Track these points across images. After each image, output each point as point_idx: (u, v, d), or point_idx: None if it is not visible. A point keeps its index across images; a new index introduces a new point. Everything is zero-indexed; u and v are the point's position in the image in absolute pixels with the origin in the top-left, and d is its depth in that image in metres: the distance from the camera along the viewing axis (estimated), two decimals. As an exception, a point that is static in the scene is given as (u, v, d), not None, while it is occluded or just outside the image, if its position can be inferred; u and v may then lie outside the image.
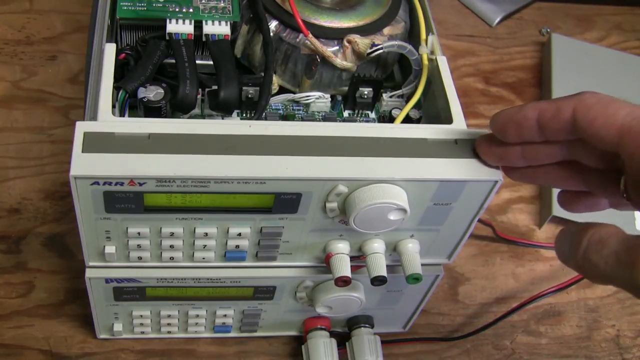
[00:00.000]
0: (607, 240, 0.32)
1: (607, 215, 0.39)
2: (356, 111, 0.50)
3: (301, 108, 0.49)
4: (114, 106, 0.42)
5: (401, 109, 0.47)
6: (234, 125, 0.40)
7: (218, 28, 0.47)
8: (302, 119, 0.49)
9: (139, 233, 0.42)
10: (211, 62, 0.46)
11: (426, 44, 0.48)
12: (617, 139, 0.33)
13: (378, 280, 0.44)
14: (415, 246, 0.45)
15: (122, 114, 0.42)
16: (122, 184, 0.37)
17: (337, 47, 0.47)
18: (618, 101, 0.33)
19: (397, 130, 0.42)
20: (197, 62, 0.46)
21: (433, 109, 0.47)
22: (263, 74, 0.46)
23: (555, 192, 0.65)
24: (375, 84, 0.48)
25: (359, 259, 0.46)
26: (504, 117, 0.37)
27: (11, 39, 0.71)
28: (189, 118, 0.46)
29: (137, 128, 0.39)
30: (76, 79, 0.69)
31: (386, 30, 0.48)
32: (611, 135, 0.33)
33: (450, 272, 0.62)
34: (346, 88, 0.49)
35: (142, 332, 0.53)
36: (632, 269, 0.30)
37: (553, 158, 0.38)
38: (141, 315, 0.51)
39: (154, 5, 0.46)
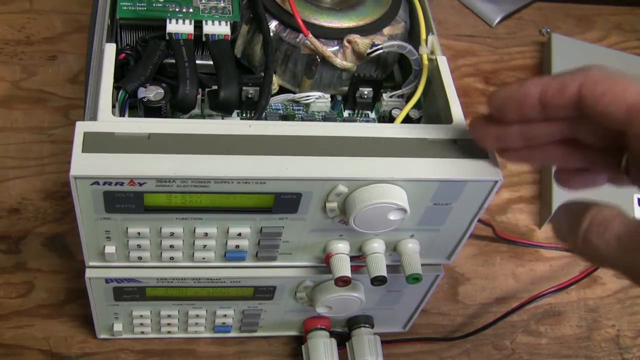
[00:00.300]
0: (610, 222, 0.30)
1: (604, 197, 0.38)
2: (356, 111, 0.50)
3: (301, 108, 0.49)
4: (114, 106, 0.42)
5: (401, 109, 0.47)
6: (234, 125, 0.40)
7: (218, 28, 0.46)
8: (302, 119, 0.49)
9: (139, 233, 0.42)
10: (211, 62, 0.46)
11: (426, 44, 0.48)
12: (626, 118, 0.31)
13: (378, 280, 0.44)
14: (415, 246, 0.45)
15: (122, 114, 0.42)
16: (122, 184, 0.37)
17: (337, 47, 0.47)
18: (626, 77, 0.32)
19: (397, 130, 0.42)
20: (197, 62, 0.46)
21: (433, 109, 0.47)
22: (263, 74, 0.46)
23: (555, 192, 0.66)
24: (375, 84, 0.48)
25: (359, 259, 0.46)
26: (504, 94, 0.35)
27: (11, 39, 0.71)
28: (189, 118, 0.46)
29: (137, 128, 0.39)
30: (76, 79, 0.69)
31: (386, 30, 0.48)
32: (620, 113, 0.31)
33: (450, 272, 0.62)
34: (346, 88, 0.49)
35: (142, 332, 0.53)
36: (634, 255, 0.29)
37: (553, 137, 0.36)
38: (141, 315, 0.51)
39: (154, 5, 0.46)
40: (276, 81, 0.48)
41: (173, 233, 0.42)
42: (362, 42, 0.47)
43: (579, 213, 0.32)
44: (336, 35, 0.47)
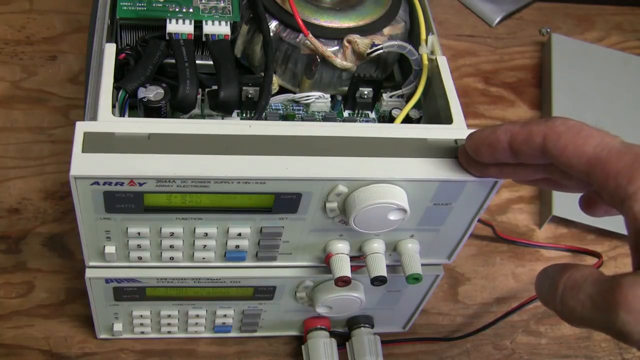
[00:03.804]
0: (582, 284, 0.31)
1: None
2: (356, 111, 0.50)
3: (301, 108, 0.49)
4: (114, 106, 0.42)
5: (401, 109, 0.47)
6: (234, 125, 0.40)
7: (218, 28, 0.46)
8: (302, 119, 0.49)
9: (139, 233, 0.42)
10: (211, 62, 0.46)
11: (426, 44, 0.48)
12: (587, 170, 0.32)
13: (378, 280, 0.44)
14: (415, 246, 0.45)
15: (122, 114, 0.42)
16: (122, 184, 0.37)
17: (337, 47, 0.47)
18: (588, 129, 0.33)
19: (397, 130, 0.42)
20: (197, 62, 0.46)
21: (433, 109, 0.47)
22: (263, 74, 0.46)
23: (555, 192, 0.65)
24: (375, 84, 0.48)
25: (359, 259, 0.46)
26: (476, 138, 0.37)
27: (11, 39, 0.71)
28: (189, 118, 0.46)
29: (137, 128, 0.39)
30: (76, 79, 0.69)
31: (386, 30, 0.48)
32: (581, 165, 0.32)
33: (450, 272, 0.62)
34: (346, 88, 0.49)
35: (142, 332, 0.53)
36: (608, 313, 0.29)
37: (532, 177, 0.38)
38: (141, 315, 0.51)
39: (154, 5, 0.46)
40: (276, 81, 0.48)
41: (173, 233, 0.42)
42: (362, 42, 0.47)
43: (555, 277, 0.32)
44: (336, 35, 0.47)
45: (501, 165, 0.38)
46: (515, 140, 0.35)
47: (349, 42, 0.47)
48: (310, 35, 0.46)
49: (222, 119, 0.47)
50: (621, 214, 0.32)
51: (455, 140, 0.41)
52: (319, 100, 0.49)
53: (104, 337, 0.54)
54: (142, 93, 0.43)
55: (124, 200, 0.39)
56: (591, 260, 0.56)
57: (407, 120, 0.47)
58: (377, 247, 0.45)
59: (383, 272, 0.44)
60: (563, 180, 0.37)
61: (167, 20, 0.46)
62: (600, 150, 0.32)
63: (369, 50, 0.46)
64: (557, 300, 0.31)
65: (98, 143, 0.38)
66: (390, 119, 0.48)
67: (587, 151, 0.32)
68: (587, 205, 0.39)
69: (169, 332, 0.54)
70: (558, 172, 0.36)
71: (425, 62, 0.48)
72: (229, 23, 0.47)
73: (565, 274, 0.32)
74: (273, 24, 0.47)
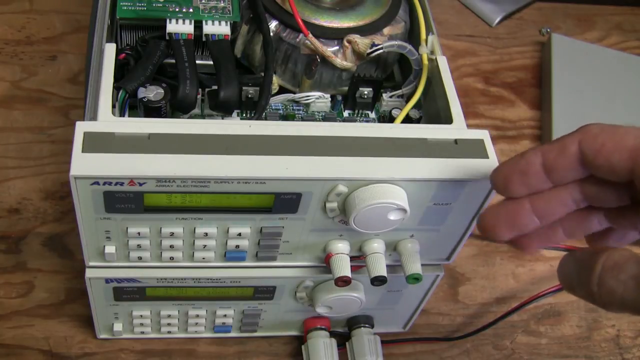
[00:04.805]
0: (624, 264, 0.30)
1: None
2: (356, 111, 0.50)
3: (301, 108, 0.49)
4: (114, 106, 0.42)
5: (401, 109, 0.47)
6: (234, 125, 0.40)
7: (218, 28, 0.47)
8: (302, 119, 0.49)
9: (139, 233, 0.42)
10: (211, 62, 0.46)
11: (426, 44, 0.48)
12: (630, 163, 0.31)
13: (378, 280, 0.44)
14: (415, 246, 0.45)
15: (122, 114, 0.42)
16: (122, 184, 0.37)
17: (337, 47, 0.47)
18: (623, 127, 0.32)
19: (397, 130, 0.42)
20: (197, 62, 0.46)
21: (433, 109, 0.47)
22: (263, 74, 0.46)
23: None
24: (375, 84, 0.48)
25: (359, 259, 0.46)
26: (505, 169, 0.35)
27: (11, 39, 0.71)
28: (189, 118, 0.46)
29: (137, 128, 0.39)
30: (76, 79, 0.69)
31: (386, 30, 0.48)
32: (623, 160, 0.31)
33: (450, 272, 0.62)
34: (346, 88, 0.49)
35: (142, 332, 0.53)
36: None
37: (567, 206, 0.35)
38: (141, 315, 0.51)
39: (154, 5, 0.46)
40: (276, 81, 0.48)
41: (173, 233, 0.42)
42: (362, 42, 0.47)
43: (589, 259, 0.31)
44: (336, 35, 0.47)
45: (533, 198, 0.35)
46: (548, 157, 0.33)
47: (349, 42, 0.47)
48: (310, 35, 0.46)
49: (222, 119, 0.47)
50: None
51: (456, 140, 0.41)
52: (319, 100, 0.49)
53: (104, 337, 0.54)
54: (142, 93, 0.43)
55: (124, 200, 0.39)
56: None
57: (407, 120, 0.47)
58: (377, 247, 0.45)
59: (383, 272, 0.44)
60: (600, 193, 0.34)
61: (167, 20, 0.46)
62: None
63: (369, 50, 0.46)
64: (593, 282, 0.31)
65: (98, 143, 0.38)
66: (390, 119, 0.48)
67: (628, 144, 0.31)
68: (594, 240, 0.38)
69: (169, 332, 0.54)
70: (595, 187, 0.34)
71: (425, 62, 0.48)
72: (229, 23, 0.47)
73: (602, 256, 0.31)
74: (273, 24, 0.47)
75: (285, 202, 0.40)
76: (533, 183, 0.34)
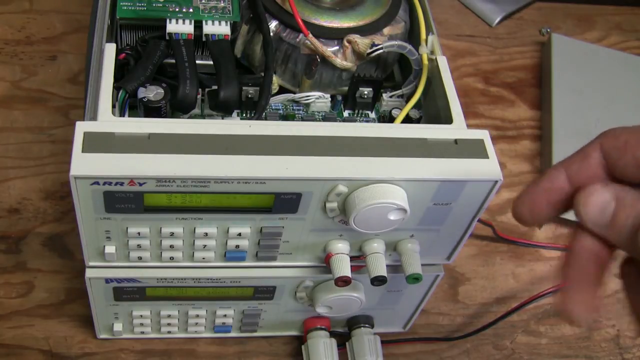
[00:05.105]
0: None
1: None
2: (356, 111, 0.50)
3: (301, 108, 0.49)
4: (114, 106, 0.42)
5: (401, 109, 0.47)
6: (234, 125, 0.40)
7: (218, 28, 0.47)
8: (302, 119, 0.49)
9: (139, 233, 0.42)
10: (211, 62, 0.46)
11: (426, 44, 0.48)
12: None
13: (378, 280, 0.44)
14: (415, 246, 0.45)
15: (122, 114, 0.42)
16: (122, 184, 0.37)
17: (337, 47, 0.47)
18: None
19: (397, 130, 0.42)
20: (197, 62, 0.46)
21: (433, 109, 0.47)
22: (263, 74, 0.46)
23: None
24: (375, 84, 0.48)
25: (359, 259, 0.46)
26: (530, 192, 0.33)
27: (11, 39, 0.71)
28: (189, 118, 0.46)
29: (137, 128, 0.39)
30: (76, 79, 0.69)
31: (386, 30, 0.48)
32: None
33: (450, 272, 0.62)
34: (346, 88, 0.49)
35: (142, 332, 0.53)
36: None
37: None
38: (141, 315, 0.51)
39: (154, 5, 0.46)
40: (276, 81, 0.48)
41: (173, 233, 0.42)
42: (362, 42, 0.47)
43: (628, 197, 0.30)
44: (336, 35, 0.47)
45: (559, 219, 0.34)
46: (571, 168, 0.32)
47: (349, 42, 0.47)
48: (310, 35, 0.46)
49: (222, 119, 0.47)
50: None
51: (456, 140, 0.41)
52: (319, 100, 0.49)
53: (104, 337, 0.54)
54: (142, 93, 0.43)
55: (124, 200, 0.39)
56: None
57: (407, 120, 0.47)
58: (377, 247, 0.45)
59: (383, 272, 0.44)
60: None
61: (167, 20, 0.46)
62: None
63: (369, 50, 0.46)
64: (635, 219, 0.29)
65: (98, 143, 0.38)
66: (390, 119, 0.48)
67: None
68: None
69: (169, 332, 0.54)
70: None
71: (425, 62, 0.48)
72: (229, 23, 0.47)
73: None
74: (273, 24, 0.47)
75: (285, 202, 0.40)
76: (558, 201, 0.32)
